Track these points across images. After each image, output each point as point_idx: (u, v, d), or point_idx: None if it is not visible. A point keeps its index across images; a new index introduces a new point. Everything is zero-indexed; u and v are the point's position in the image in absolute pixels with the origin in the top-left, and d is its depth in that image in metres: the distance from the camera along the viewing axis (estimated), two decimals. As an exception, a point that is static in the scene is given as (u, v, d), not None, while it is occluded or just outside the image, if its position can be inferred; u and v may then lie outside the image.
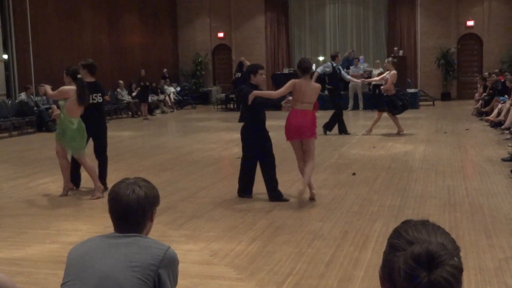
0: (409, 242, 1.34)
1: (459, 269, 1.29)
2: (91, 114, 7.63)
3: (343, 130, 13.35)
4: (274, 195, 6.83)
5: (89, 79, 7.75)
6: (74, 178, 7.89)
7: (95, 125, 7.78)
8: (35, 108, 16.13)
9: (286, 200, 6.81)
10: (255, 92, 6.53)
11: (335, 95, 13.37)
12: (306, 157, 6.75)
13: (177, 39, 26.64)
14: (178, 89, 24.60)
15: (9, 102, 16.15)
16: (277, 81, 19.43)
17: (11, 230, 6.02)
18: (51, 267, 4.79)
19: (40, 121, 15.96)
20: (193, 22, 26.24)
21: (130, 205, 2.25)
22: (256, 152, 6.82)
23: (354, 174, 8.48)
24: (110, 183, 8.04)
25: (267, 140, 6.85)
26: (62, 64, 18.32)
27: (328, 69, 13.21)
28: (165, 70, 24.15)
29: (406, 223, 1.43)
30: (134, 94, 20.69)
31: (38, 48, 17.56)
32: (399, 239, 1.36)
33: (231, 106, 22.01)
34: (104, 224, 5.92)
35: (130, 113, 20.89)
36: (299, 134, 6.66)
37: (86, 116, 7.51)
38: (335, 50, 15.14)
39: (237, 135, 13.73)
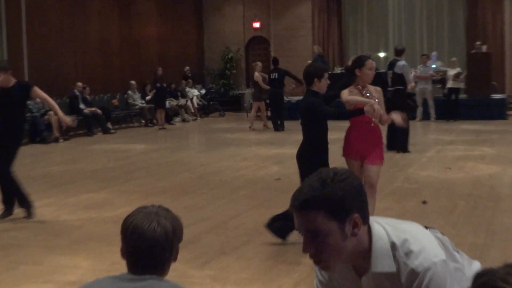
0: None
1: None
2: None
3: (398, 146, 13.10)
4: (276, 225, 6.59)
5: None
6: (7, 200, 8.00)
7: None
8: (28, 115, 16.39)
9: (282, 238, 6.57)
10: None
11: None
12: (368, 188, 6.42)
13: (203, 30, 26.86)
14: (203, 92, 24.75)
15: (-3, 106, 16.49)
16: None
17: (-3, 265, 6.09)
18: (44, 313, 4.81)
19: (33, 130, 16.23)
20: (223, 10, 26.45)
21: (158, 242, 2.24)
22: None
23: (424, 202, 8.37)
24: (118, 209, 8.10)
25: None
26: (63, 61, 18.74)
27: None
28: (187, 68, 24.33)
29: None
30: (148, 97, 20.88)
31: (33, 41, 17.89)
32: None
33: (268, 113, 21.95)
34: (110, 260, 5.94)
35: (143, 121, 21.09)
36: (361, 155, 6.59)
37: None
38: (401, 45, 14.93)
39: (276, 151, 13.79)
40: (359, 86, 6.56)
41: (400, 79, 12.85)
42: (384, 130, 12.81)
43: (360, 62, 6.61)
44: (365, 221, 2.12)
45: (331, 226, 2.05)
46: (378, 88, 6.75)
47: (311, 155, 6.50)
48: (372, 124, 6.54)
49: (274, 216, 6.69)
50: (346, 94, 6.53)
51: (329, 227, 2.05)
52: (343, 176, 2.09)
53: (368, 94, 6.53)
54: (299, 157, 6.63)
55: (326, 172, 2.12)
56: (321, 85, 6.47)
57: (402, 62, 12.98)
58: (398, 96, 12.88)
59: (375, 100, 6.44)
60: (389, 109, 12.94)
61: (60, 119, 7.96)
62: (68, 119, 7.83)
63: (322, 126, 6.51)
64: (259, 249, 6.43)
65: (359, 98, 6.42)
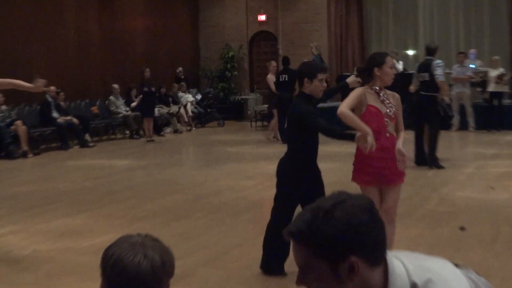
0: None
1: None
2: None
3: (428, 160, 13.08)
4: (268, 265, 6.72)
5: None
6: None
7: None
8: (-9, 125, 16.42)
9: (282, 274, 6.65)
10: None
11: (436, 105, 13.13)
12: (385, 215, 6.23)
13: (198, 24, 26.91)
14: (199, 97, 24.76)
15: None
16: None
17: (-46, 305, 6.09)
18: None
19: (-2, 143, 16.25)
20: (222, 0, 26.50)
21: (143, 278, 2.23)
22: (296, 202, 6.58)
23: (462, 228, 8.33)
24: (98, 237, 8.08)
25: (317, 183, 6.62)
26: (32, 61, 18.73)
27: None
28: (179, 69, 24.35)
29: None
30: (134, 104, 20.87)
31: (-2, 37, 17.94)
32: None
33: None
34: (88, 298, 5.93)
35: (127, 132, 21.08)
36: (380, 176, 6.35)
37: None
38: (433, 43, 14.86)
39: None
40: (376, 87, 6.34)
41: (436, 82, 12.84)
42: (410, 141, 12.85)
43: (379, 59, 6.42)
44: (375, 263, 2.09)
45: (321, 266, 2.06)
46: (396, 95, 6.53)
47: (291, 173, 6.53)
48: (388, 134, 6.29)
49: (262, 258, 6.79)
50: (352, 100, 6.23)
51: (318, 266, 2.06)
52: (343, 211, 2.06)
53: (385, 98, 6.33)
54: (277, 173, 6.71)
55: (326, 201, 2.12)
56: (313, 87, 6.43)
57: (438, 61, 12.92)
58: (431, 102, 12.84)
59: (391, 108, 6.30)
60: (419, 118, 13.05)
61: (31, 89, 8.12)
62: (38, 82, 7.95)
63: (311, 140, 6.50)
64: (265, 284, 6.40)
65: (358, 121, 6.04)
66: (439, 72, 12.79)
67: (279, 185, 6.70)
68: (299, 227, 2.08)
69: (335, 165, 12.64)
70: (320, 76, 6.45)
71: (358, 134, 5.87)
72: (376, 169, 6.27)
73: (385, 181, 6.32)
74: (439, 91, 13.01)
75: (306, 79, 6.44)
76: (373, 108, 6.25)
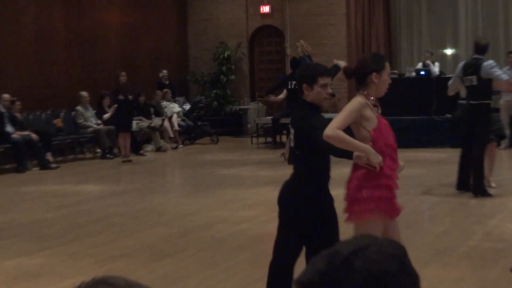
0: None
1: None
2: None
3: (471, 186, 12.97)
4: None
5: None
6: None
7: None
8: None
9: None
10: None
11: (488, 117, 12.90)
12: None
13: (186, 18, 26.97)
14: (187, 107, 24.75)
15: None
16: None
17: None
18: None
19: None
20: (216, -12, 26.64)
21: None
22: (303, 232, 6.56)
23: (514, 269, 8.32)
24: (63, 280, 8.07)
25: (329, 214, 6.57)
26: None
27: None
28: (163, 73, 24.35)
29: None
30: (107, 116, 20.82)
31: None
32: None
33: (282, 139, 21.89)
34: None
35: (99, 150, 21.06)
36: (390, 206, 6.32)
37: None
38: (484, 38, 14.71)
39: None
40: (372, 97, 6.30)
41: (488, 88, 12.56)
42: (452, 161, 12.82)
43: (379, 63, 6.42)
44: None
45: None
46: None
47: (296, 200, 6.49)
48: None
49: None
50: (346, 117, 6.19)
51: None
52: (365, 259, 2.00)
53: (380, 112, 6.35)
54: (280, 199, 6.70)
55: (345, 246, 2.05)
56: (315, 95, 6.41)
57: (490, 62, 12.60)
58: (482, 113, 12.54)
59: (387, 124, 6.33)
60: (467, 133, 12.93)
61: None
62: None
63: (320, 159, 6.48)
64: None
65: (353, 141, 6.08)
66: (498, 73, 12.46)
67: (281, 215, 6.68)
68: (311, 277, 2.03)
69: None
70: (322, 80, 6.38)
71: (355, 154, 5.94)
72: (389, 196, 6.25)
73: (395, 213, 6.34)
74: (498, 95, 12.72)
75: (305, 85, 6.42)
76: (385, 121, 6.28)
